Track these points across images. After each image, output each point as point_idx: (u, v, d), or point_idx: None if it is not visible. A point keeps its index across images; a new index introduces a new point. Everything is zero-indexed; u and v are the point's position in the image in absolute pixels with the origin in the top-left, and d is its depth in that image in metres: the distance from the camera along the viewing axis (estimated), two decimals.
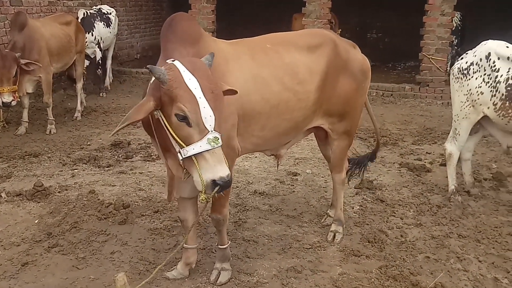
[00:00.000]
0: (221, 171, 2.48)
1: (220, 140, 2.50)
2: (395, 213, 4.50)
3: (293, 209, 4.56)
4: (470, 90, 4.64)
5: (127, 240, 3.89)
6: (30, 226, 4.06)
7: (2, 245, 3.74)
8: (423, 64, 9.25)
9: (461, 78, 4.74)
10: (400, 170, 5.63)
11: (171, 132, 2.55)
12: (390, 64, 12.58)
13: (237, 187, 5.03)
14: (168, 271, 3.42)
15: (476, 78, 4.62)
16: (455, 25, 9.74)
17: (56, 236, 3.91)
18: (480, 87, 4.57)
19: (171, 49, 2.89)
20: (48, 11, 8.53)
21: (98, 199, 4.58)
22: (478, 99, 4.57)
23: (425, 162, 5.85)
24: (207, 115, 2.46)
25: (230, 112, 2.94)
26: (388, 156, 6.12)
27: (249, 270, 3.51)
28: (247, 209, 4.52)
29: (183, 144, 2.51)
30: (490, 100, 4.51)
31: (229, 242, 3.44)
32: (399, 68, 12.21)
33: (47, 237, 3.88)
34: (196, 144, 2.48)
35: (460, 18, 10.27)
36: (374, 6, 13.39)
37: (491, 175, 5.40)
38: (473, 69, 4.66)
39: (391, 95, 9.33)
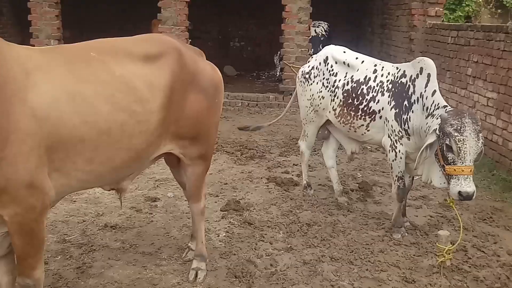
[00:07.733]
0: None
1: None
2: (263, 237, 4.09)
3: (151, 243, 3.94)
4: (312, 95, 4.66)
5: None
6: None
7: None
8: (285, 73, 9.18)
9: (304, 82, 4.76)
10: (268, 186, 5.28)
11: None
12: (254, 73, 12.47)
13: (83, 221, 4.27)
14: None
15: (317, 83, 4.63)
16: (314, 33, 9.87)
17: None
18: (321, 91, 4.59)
19: None
20: None
21: None
22: (321, 103, 4.59)
23: (292, 175, 5.59)
24: None
25: (29, 148, 2.26)
26: (255, 170, 5.77)
27: None
28: (94, 249, 3.79)
29: None
30: (330, 104, 4.52)
31: None
32: (263, 77, 12.14)
33: None
34: None
35: (327, 28, 10.47)
36: (234, 14, 13.23)
37: (357, 185, 5.29)
38: (314, 73, 4.66)
39: (256, 105, 9.13)
